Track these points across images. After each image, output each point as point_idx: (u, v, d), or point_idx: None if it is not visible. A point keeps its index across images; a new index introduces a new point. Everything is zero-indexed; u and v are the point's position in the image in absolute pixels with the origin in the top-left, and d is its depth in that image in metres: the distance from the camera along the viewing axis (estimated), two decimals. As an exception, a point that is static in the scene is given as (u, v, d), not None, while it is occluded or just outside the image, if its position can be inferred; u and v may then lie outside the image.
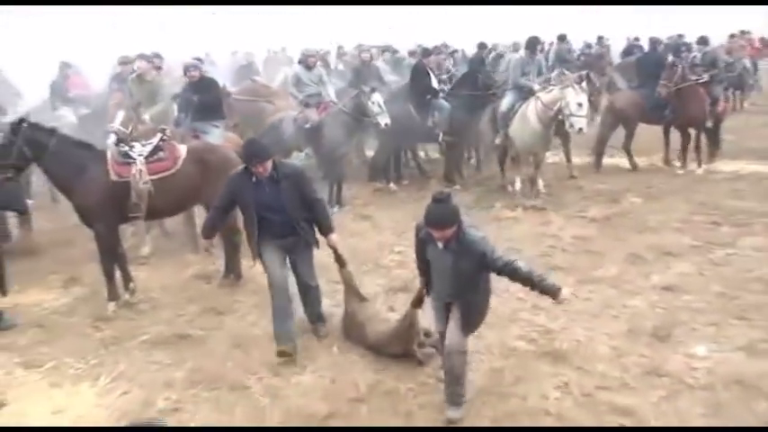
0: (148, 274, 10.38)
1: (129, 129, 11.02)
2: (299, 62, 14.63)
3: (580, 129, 12.22)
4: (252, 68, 20.20)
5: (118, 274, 9.47)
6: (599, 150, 15.56)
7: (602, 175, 14.72)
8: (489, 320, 8.01)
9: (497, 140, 13.64)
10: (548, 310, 8.34)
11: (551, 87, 12.83)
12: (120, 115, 11.15)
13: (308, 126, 13.53)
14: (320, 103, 13.91)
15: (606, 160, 15.77)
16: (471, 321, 6.30)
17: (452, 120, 14.39)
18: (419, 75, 14.70)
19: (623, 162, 15.49)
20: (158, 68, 13.92)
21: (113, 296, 9.29)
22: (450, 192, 5.95)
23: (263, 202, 7.37)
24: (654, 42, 17.56)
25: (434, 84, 14.62)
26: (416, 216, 12.22)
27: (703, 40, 16.96)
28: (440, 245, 5.94)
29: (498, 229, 11.58)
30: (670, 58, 15.56)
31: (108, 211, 9.15)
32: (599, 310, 8.36)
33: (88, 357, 7.79)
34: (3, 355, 7.96)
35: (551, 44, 21.91)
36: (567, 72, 15.33)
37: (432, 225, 5.78)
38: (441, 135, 14.54)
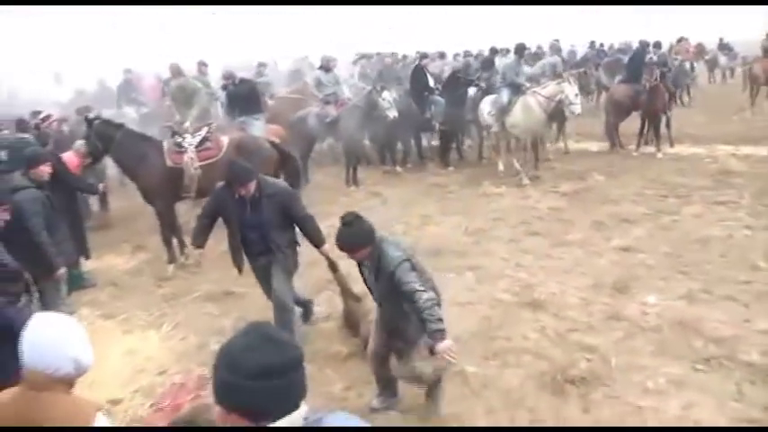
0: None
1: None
2: (320, 67, 14.73)
3: (578, 113, 13.04)
4: (300, 72, 20.00)
5: (175, 242, 9.65)
6: (611, 135, 15.63)
7: (572, 157, 14.76)
8: (480, 276, 8.20)
9: (495, 128, 13.58)
10: (528, 267, 8.48)
11: (545, 84, 13.28)
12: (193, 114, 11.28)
13: (328, 120, 13.68)
14: (337, 100, 14.08)
15: (574, 145, 15.87)
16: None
17: (445, 112, 14.45)
18: (418, 75, 14.78)
19: (590, 146, 15.56)
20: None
21: (172, 259, 9.51)
22: (357, 215, 4.96)
23: (244, 220, 6.48)
24: (643, 45, 17.50)
25: (431, 83, 14.71)
26: (419, 192, 12.44)
27: (657, 45, 17.43)
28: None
29: (486, 203, 11.75)
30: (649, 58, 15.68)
31: (165, 191, 9.38)
32: (570, 267, 8.44)
33: (153, 310, 7.94)
34: (86, 309, 8.13)
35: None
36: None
37: (340, 248, 4.98)
38: (437, 125, 14.65)
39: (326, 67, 14.42)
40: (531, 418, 5.28)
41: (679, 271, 8.06)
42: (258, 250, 6.59)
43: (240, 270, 6.82)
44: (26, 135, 10.65)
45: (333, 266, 6.82)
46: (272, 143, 10.40)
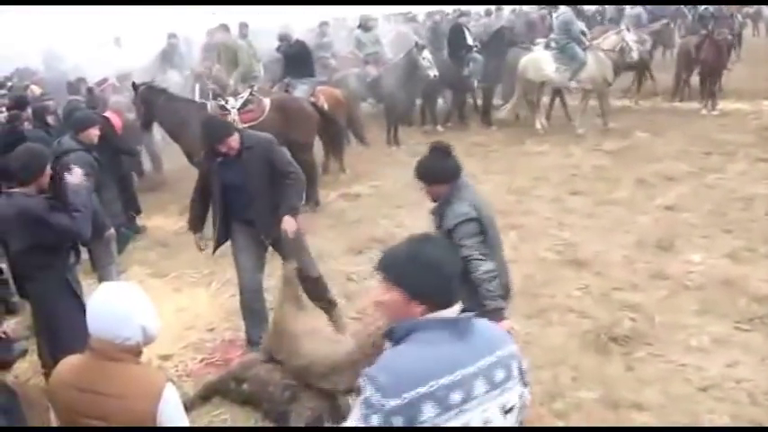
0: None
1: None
2: (359, 26, 14.73)
3: (636, 58, 13.66)
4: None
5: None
6: (677, 86, 15.64)
7: (615, 114, 14.57)
8: (523, 235, 8.24)
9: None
10: (571, 226, 8.49)
11: (605, 36, 13.85)
12: (197, 88, 11.39)
13: (369, 80, 13.68)
14: (378, 60, 14.07)
15: (616, 102, 15.67)
16: None
17: (485, 70, 14.36)
18: (456, 33, 14.67)
19: (630, 103, 15.42)
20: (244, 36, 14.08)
21: (216, 220, 9.59)
22: (448, 148, 4.39)
23: (227, 182, 5.67)
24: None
25: (470, 41, 14.58)
26: (461, 151, 12.37)
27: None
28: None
29: (529, 161, 11.72)
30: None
31: (209, 153, 9.49)
32: (613, 226, 8.44)
33: (201, 268, 8.00)
34: (138, 268, 8.30)
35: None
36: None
37: (417, 176, 4.42)
38: (476, 83, 14.56)
39: (366, 26, 14.46)
40: (574, 375, 5.34)
41: (723, 229, 8.06)
42: (248, 216, 5.79)
43: (215, 249, 6.18)
44: (77, 97, 10.84)
45: (284, 250, 5.83)
46: (315, 105, 10.49)
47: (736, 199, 9.03)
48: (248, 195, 5.66)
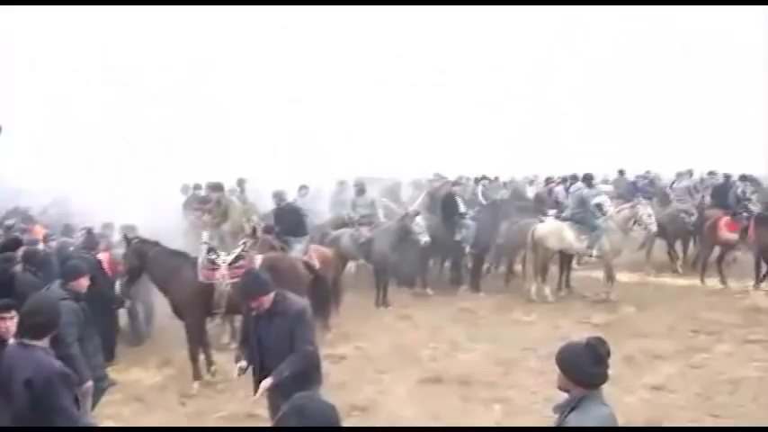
0: (227, 359, 10.38)
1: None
2: (355, 190, 15.03)
3: (655, 231, 14.55)
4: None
5: (202, 358, 9.57)
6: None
7: (601, 286, 14.58)
8: (508, 410, 8.02)
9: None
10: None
11: (620, 208, 14.26)
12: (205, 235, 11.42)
13: (362, 241, 13.74)
14: (371, 222, 14.20)
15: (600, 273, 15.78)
16: None
17: (477, 237, 14.53)
18: (450, 200, 14.95)
19: (620, 276, 15.39)
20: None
21: (197, 376, 9.38)
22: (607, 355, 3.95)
23: (259, 338, 5.87)
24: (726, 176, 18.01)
25: (462, 208, 14.82)
26: (449, 316, 12.30)
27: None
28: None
29: (516, 331, 11.59)
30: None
31: (196, 306, 9.45)
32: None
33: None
34: (110, 423, 7.98)
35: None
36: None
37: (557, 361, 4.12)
38: (467, 248, 14.68)
39: (361, 189, 14.73)
40: None
41: (710, 413, 7.89)
42: (263, 375, 5.79)
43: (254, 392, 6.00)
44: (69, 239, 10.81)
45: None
46: (307, 264, 10.49)
47: (723, 382, 8.87)
48: (275, 356, 5.68)
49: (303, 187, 15.65)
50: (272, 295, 5.74)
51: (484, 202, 16.26)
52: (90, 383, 6.87)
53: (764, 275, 14.08)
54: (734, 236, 14.57)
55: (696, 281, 14.99)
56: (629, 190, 20.14)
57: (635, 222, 13.86)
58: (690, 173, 20.22)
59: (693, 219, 16.47)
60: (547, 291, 14.06)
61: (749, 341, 10.57)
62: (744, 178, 16.76)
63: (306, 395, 3.18)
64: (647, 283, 14.99)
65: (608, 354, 3.89)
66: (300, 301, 6.02)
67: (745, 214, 14.75)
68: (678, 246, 16.96)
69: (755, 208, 15.08)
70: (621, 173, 23.45)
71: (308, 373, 5.77)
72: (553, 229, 14.13)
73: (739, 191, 16.77)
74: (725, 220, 14.92)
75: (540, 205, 17.05)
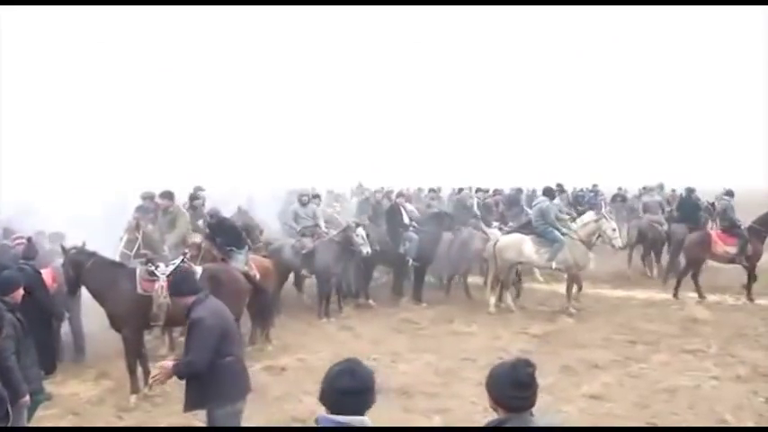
0: (164, 371, 10.23)
1: (133, 250, 11.01)
2: (298, 200, 14.88)
3: (620, 246, 14.37)
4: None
5: (140, 371, 9.36)
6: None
7: (541, 297, 14.73)
8: (448, 420, 7.99)
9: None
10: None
11: (584, 222, 13.99)
12: (124, 239, 11.21)
13: (304, 251, 13.67)
14: (314, 233, 14.14)
15: (543, 287, 15.96)
16: None
17: (420, 248, 14.57)
18: (394, 213, 15.02)
19: (559, 288, 15.50)
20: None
21: (135, 389, 9.15)
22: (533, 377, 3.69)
23: None
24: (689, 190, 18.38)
25: (406, 220, 14.88)
26: (391, 327, 12.26)
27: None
28: None
29: (456, 341, 11.59)
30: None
31: (133, 318, 9.26)
32: (538, 414, 8.23)
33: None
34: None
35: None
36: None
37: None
38: (410, 260, 14.71)
39: (303, 201, 14.66)
40: None
41: (647, 422, 7.94)
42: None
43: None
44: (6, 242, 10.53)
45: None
46: (247, 276, 10.40)
47: (660, 390, 8.95)
48: None
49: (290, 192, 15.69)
50: (189, 299, 5.80)
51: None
52: (27, 398, 6.69)
53: (748, 287, 14.63)
54: (732, 249, 14.74)
55: (633, 292, 15.24)
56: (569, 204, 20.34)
57: (598, 237, 13.79)
58: (661, 187, 21.30)
59: (665, 228, 17.50)
60: (509, 300, 14.18)
61: (685, 351, 10.71)
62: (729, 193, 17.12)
63: (352, 359, 3.54)
64: (586, 294, 15.14)
65: (530, 378, 3.59)
66: (200, 311, 5.80)
67: (739, 227, 15.06)
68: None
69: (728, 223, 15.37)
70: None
71: (217, 385, 5.71)
72: (512, 242, 14.19)
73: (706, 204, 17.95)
74: (716, 234, 15.17)
75: (487, 216, 17.06)
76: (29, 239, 10.42)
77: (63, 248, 9.61)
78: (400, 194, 16.62)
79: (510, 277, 14.48)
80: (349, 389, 3.35)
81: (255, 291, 10.27)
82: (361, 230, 13.53)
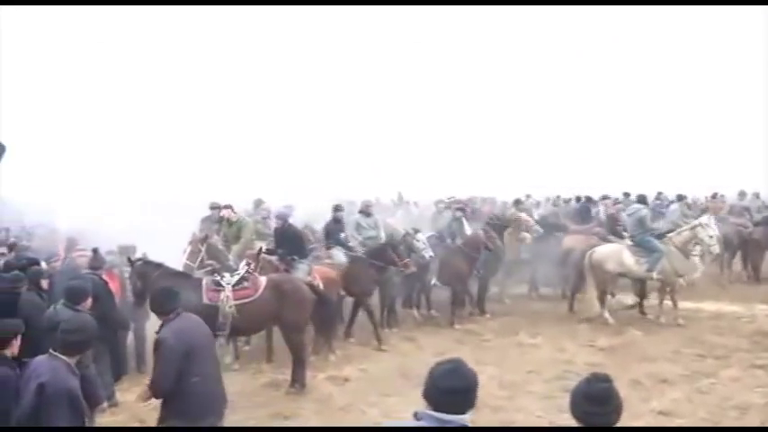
0: (229, 380, 10.26)
1: (197, 262, 11.34)
2: (360, 211, 14.97)
3: (717, 253, 14.29)
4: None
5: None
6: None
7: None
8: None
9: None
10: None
11: (680, 230, 13.99)
12: (188, 251, 11.46)
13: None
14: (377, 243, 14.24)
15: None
16: None
17: (484, 259, 14.57)
18: (459, 223, 14.97)
19: (626, 299, 15.29)
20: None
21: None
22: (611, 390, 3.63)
23: None
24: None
25: (467, 231, 14.86)
26: (454, 338, 12.18)
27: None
28: None
29: (521, 354, 11.52)
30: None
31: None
32: (606, 429, 8.14)
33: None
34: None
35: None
36: None
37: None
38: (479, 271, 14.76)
39: (366, 211, 14.73)
40: None
41: (719, 440, 7.77)
42: None
43: None
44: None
45: None
46: (311, 286, 10.47)
47: (730, 407, 8.75)
48: None
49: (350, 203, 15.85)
50: (169, 315, 5.98)
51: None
52: (105, 404, 6.90)
53: None
54: None
55: (702, 304, 14.89)
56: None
57: (696, 244, 13.46)
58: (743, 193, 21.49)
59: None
60: (606, 313, 13.92)
61: (756, 366, 10.44)
62: None
63: (456, 358, 3.71)
64: (653, 305, 14.88)
65: (605, 393, 3.57)
66: (165, 332, 5.93)
67: None
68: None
69: None
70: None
71: (179, 403, 5.85)
72: (612, 253, 14.00)
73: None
74: None
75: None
76: (94, 251, 10.64)
77: (129, 260, 9.79)
78: (461, 204, 16.59)
79: (609, 289, 14.29)
80: (453, 388, 3.44)
81: (319, 301, 10.32)
82: (420, 235, 13.58)
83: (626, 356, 11.08)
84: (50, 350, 5.05)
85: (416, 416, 3.49)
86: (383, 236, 14.59)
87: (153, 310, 6.36)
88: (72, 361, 4.98)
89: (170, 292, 6.27)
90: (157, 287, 7.07)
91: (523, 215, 15.98)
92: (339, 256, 13.23)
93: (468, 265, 14.29)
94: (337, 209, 14.03)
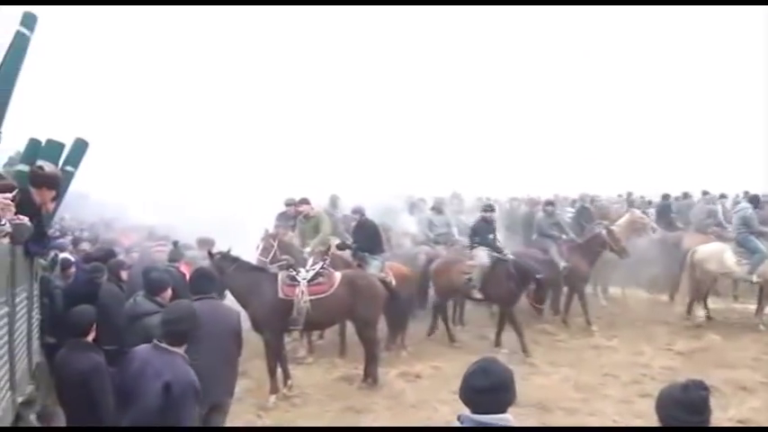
0: (303, 373, 10.51)
1: (269, 257, 11.61)
2: (432, 208, 15.02)
3: None
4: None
5: (279, 372, 9.66)
6: None
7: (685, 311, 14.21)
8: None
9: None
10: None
11: None
12: (260, 247, 11.78)
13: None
14: (448, 241, 14.22)
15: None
16: None
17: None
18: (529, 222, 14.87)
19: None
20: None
21: (274, 390, 9.50)
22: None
23: None
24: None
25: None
26: (528, 338, 12.07)
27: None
28: None
29: (596, 356, 11.40)
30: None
31: (275, 321, 9.57)
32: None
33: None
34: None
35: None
36: None
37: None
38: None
39: (439, 209, 14.81)
40: None
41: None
42: None
43: None
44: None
45: None
46: (384, 282, 10.54)
47: (812, 419, 8.49)
48: None
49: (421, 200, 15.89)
50: (196, 296, 6.26)
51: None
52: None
53: None
54: None
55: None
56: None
57: None
58: None
59: None
60: (701, 313, 13.80)
61: (841, 373, 10.13)
62: None
63: (488, 357, 3.72)
64: (733, 309, 14.54)
65: (703, 401, 3.53)
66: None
67: None
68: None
69: None
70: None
71: None
72: (713, 252, 13.70)
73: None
74: None
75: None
76: (174, 243, 10.87)
77: (210, 254, 9.99)
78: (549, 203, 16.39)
79: (708, 290, 14.08)
80: (482, 387, 3.43)
81: (392, 298, 10.39)
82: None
83: (704, 362, 10.84)
84: (155, 341, 5.02)
85: (459, 419, 3.50)
86: (455, 233, 14.59)
87: (190, 291, 6.60)
88: (180, 351, 4.95)
89: (204, 275, 6.59)
90: (197, 270, 7.23)
91: (638, 212, 15.73)
92: (482, 257, 12.62)
93: (588, 265, 14.24)
94: (487, 209, 13.37)
